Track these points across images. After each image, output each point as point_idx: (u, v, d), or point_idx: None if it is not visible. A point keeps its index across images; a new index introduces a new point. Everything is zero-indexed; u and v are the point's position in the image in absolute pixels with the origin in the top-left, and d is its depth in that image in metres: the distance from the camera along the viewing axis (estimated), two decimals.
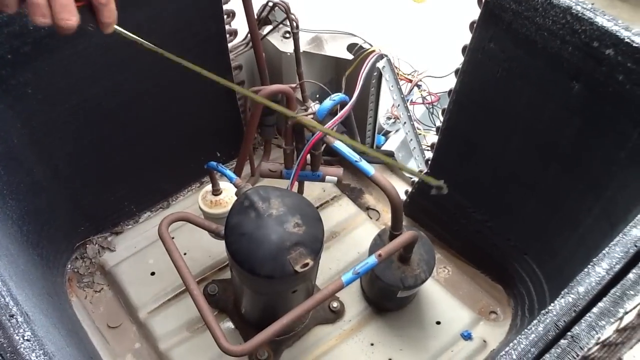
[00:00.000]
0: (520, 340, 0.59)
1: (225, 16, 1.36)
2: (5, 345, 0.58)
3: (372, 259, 1.10)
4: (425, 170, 1.48)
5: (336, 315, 1.39)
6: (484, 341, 1.37)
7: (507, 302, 1.45)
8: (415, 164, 1.62)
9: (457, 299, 1.44)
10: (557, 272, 1.18)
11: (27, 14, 0.66)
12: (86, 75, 1.20)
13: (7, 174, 1.14)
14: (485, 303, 1.46)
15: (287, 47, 1.51)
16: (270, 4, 1.44)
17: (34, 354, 0.57)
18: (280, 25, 1.53)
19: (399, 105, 1.57)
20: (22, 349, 0.58)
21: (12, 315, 0.60)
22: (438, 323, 1.39)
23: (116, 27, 0.72)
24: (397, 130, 1.76)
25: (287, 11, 1.40)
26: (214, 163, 1.22)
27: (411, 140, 1.61)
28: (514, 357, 0.58)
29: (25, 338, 0.59)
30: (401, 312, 1.41)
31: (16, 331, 0.59)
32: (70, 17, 0.67)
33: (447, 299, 1.44)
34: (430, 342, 1.36)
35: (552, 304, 0.62)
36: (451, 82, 1.27)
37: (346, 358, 1.34)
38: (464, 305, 1.43)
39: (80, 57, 1.16)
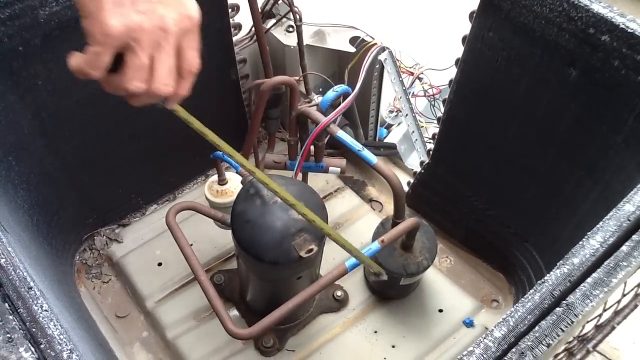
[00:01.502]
0: (517, 308, 0.61)
1: (229, 10, 1.39)
2: (25, 315, 0.61)
3: (375, 245, 1.12)
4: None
5: (340, 303, 1.42)
6: (486, 328, 1.39)
7: (508, 290, 1.47)
8: (418, 156, 1.65)
9: (459, 287, 1.46)
10: (557, 259, 1.19)
11: (109, 82, 0.62)
12: None
13: (17, 164, 1.16)
14: (487, 291, 1.48)
15: (290, 40, 1.54)
16: None
17: (52, 323, 0.60)
18: (284, 20, 1.56)
19: (400, 97, 1.60)
20: (40, 318, 0.60)
21: (30, 288, 0.63)
22: (440, 311, 1.42)
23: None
24: (399, 123, 1.78)
25: (290, 4, 1.42)
26: (220, 153, 1.24)
27: (413, 132, 1.63)
28: (511, 323, 0.60)
29: (44, 308, 0.61)
30: (404, 300, 1.43)
31: (35, 302, 0.62)
32: (171, 84, 0.64)
33: (449, 288, 1.46)
34: (433, 330, 1.39)
35: (547, 275, 0.64)
36: (452, 75, 1.29)
37: (350, 345, 1.37)
38: (466, 294, 1.45)
39: None
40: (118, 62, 0.60)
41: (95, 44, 0.57)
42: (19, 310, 0.61)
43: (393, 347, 1.36)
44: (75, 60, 0.59)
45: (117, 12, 0.56)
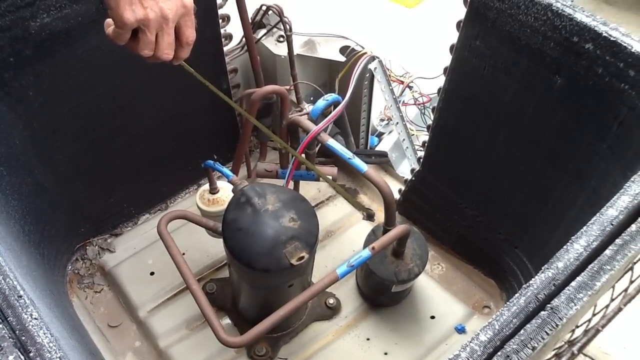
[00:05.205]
0: (503, 312, 0.62)
1: (220, 20, 1.40)
2: (14, 323, 0.61)
3: (366, 252, 1.13)
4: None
5: (332, 311, 1.42)
6: None
7: (499, 296, 1.47)
8: (409, 163, 1.66)
9: (451, 294, 1.47)
10: (546, 264, 1.21)
11: (131, 47, 0.85)
12: (85, 79, 1.24)
13: (9, 174, 1.17)
14: (479, 298, 1.49)
15: (281, 50, 1.55)
16: (264, 7, 1.48)
17: (41, 331, 0.60)
18: (275, 30, 1.57)
19: (391, 106, 1.61)
20: (30, 327, 0.61)
21: (20, 296, 0.63)
22: (432, 317, 1.42)
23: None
24: (390, 132, 1.79)
25: (280, 14, 1.44)
26: (211, 161, 1.25)
27: (404, 140, 1.64)
28: (497, 327, 0.61)
29: (34, 317, 0.62)
30: (396, 308, 1.43)
31: (24, 310, 0.62)
32: (171, 53, 0.88)
33: (441, 294, 1.46)
34: (425, 336, 1.39)
35: (532, 279, 0.65)
36: (441, 83, 1.31)
37: (343, 353, 1.37)
38: (457, 300, 1.46)
39: (79, 60, 1.19)
40: (136, 33, 0.83)
41: (117, 28, 0.82)
42: (8, 319, 0.62)
43: (386, 354, 1.36)
44: (109, 30, 0.85)
45: (130, 8, 0.79)
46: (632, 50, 0.90)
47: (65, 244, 1.47)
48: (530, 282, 0.65)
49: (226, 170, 1.24)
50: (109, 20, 0.84)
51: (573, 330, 0.89)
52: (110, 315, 1.44)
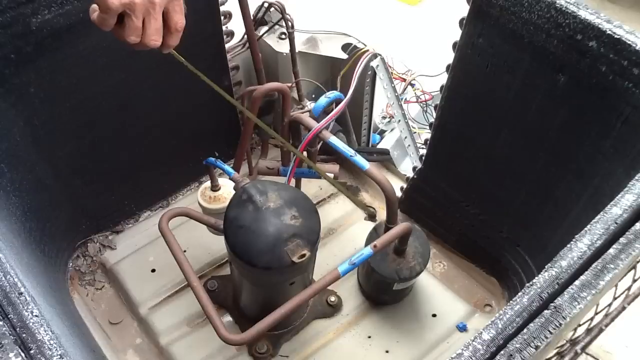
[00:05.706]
0: (506, 310, 0.62)
1: (222, 17, 1.39)
2: (15, 320, 0.61)
3: (368, 250, 1.12)
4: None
5: (334, 309, 1.42)
6: None
7: (501, 294, 1.47)
8: (411, 161, 1.66)
9: (452, 292, 1.47)
10: (548, 263, 1.21)
11: (117, 33, 0.83)
12: (86, 75, 1.23)
13: (10, 171, 1.16)
14: (481, 296, 1.48)
15: (283, 47, 1.55)
16: (266, 4, 1.47)
17: (42, 329, 0.60)
18: (276, 27, 1.57)
19: (393, 103, 1.60)
20: (31, 324, 0.61)
21: (20, 293, 0.63)
22: (434, 316, 1.42)
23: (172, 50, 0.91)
24: (392, 129, 1.79)
25: (282, 12, 1.43)
26: (213, 159, 1.25)
27: (406, 137, 1.64)
28: (500, 326, 0.61)
29: (34, 314, 0.62)
30: (397, 306, 1.43)
31: (25, 307, 0.62)
32: (158, 39, 0.84)
33: (442, 293, 1.46)
34: (426, 334, 1.39)
35: (536, 278, 0.65)
36: (444, 81, 1.30)
37: (344, 351, 1.37)
38: (459, 298, 1.45)
39: (80, 57, 1.19)
40: (123, 19, 0.81)
41: (102, 12, 0.79)
42: (9, 316, 0.62)
43: (387, 352, 1.36)
44: (94, 16, 0.82)
45: None
46: (636, 48, 0.90)
47: (66, 241, 1.46)
48: (534, 280, 0.65)
49: (227, 167, 1.24)
50: (94, 6, 0.82)
51: (575, 329, 0.89)
52: (111, 312, 1.44)
